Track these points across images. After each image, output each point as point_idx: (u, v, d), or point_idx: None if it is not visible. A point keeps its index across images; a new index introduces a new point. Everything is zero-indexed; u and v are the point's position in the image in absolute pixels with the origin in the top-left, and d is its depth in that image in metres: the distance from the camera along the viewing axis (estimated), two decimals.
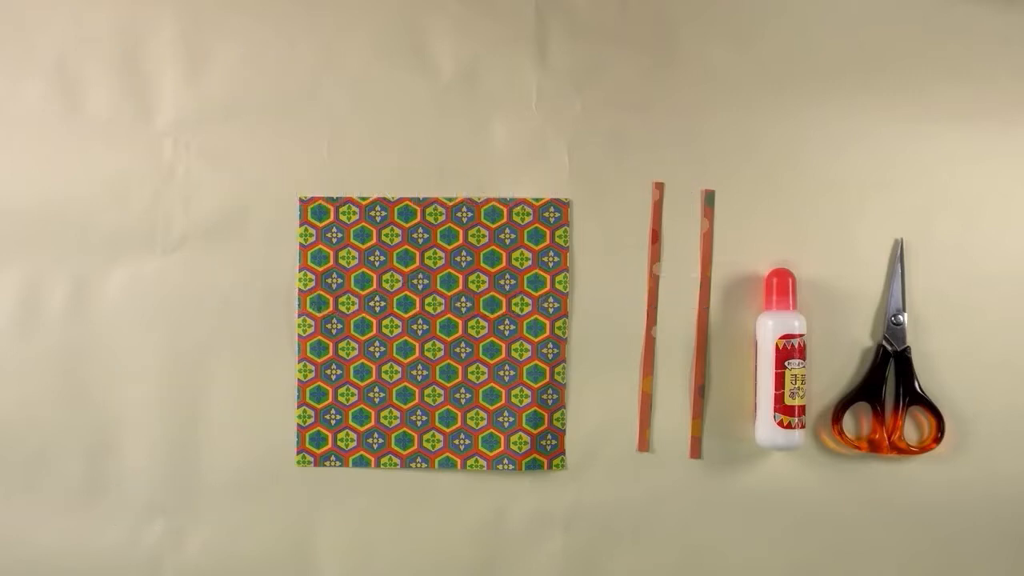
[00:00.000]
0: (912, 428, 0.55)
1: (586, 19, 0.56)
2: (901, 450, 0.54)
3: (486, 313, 0.52)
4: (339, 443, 0.54)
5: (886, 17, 0.56)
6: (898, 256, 0.55)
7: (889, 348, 0.54)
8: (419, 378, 0.53)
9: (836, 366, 0.55)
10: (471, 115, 0.55)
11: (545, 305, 0.52)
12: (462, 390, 0.52)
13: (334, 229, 0.53)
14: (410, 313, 0.53)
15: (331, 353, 0.53)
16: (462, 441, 0.52)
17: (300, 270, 0.53)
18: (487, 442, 0.52)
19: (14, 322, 0.55)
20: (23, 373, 0.54)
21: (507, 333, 0.52)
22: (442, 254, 0.52)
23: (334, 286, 0.53)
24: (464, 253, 0.52)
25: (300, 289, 0.54)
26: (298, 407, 0.54)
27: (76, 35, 0.55)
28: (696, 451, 0.54)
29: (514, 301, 0.52)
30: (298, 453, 0.54)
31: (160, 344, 0.55)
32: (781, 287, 0.53)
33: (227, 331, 0.54)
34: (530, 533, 0.54)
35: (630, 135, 0.55)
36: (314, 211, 0.54)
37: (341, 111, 0.55)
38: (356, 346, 0.53)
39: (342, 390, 0.54)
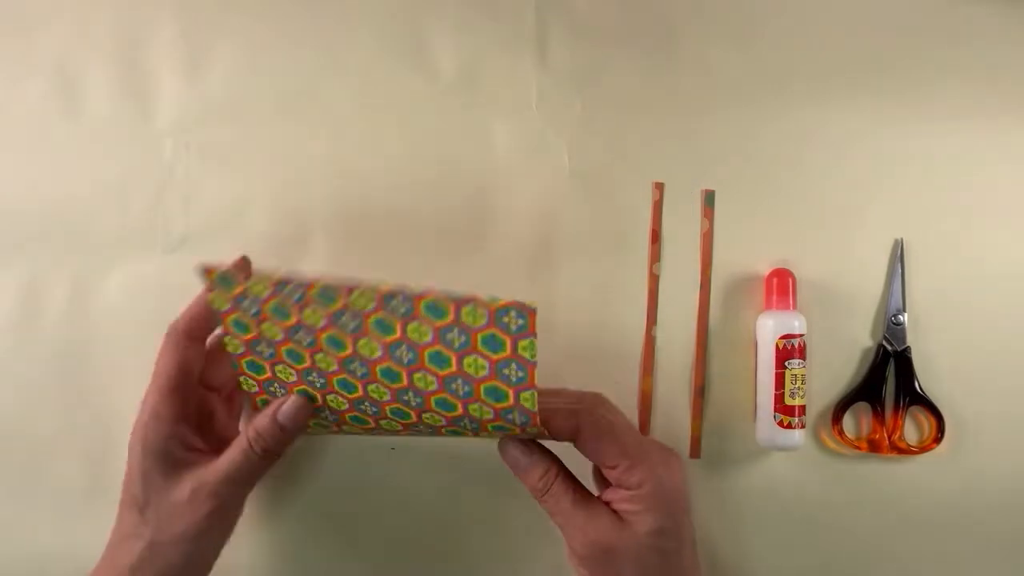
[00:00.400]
0: (912, 428, 0.55)
1: (586, 19, 0.56)
2: (901, 450, 0.54)
3: (440, 411, 0.43)
4: None
5: (886, 17, 0.56)
6: (898, 256, 0.55)
7: (889, 348, 0.54)
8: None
9: (836, 366, 0.55)
10: (471, 115, 0.55)
11: (511, 416, 0.42)
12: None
13: (247, 301, 0.42)
14: (354, 396, 0.44)
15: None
16: None
17: (225, 335, 0.44)
18: None
19: (14, 322, 0.54)
20: (23, 373, 0.54)
21: (470, 429, 0.45)
22: (378, 346, 0.42)
23: (267, 354, 0.44)
24: (405, 348, 0.42)
25: (231, 353, 0.45)
26: None
27: (76, 35, 0.55)
28: (696, 451, 0.54)
29: (472, 407, 0.43)
30: None
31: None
32: (781, 287, 0.53)
33: None
34: (528, 535, 0.54)
35: (630, 135, 0.55)
36: (220, 279, 0.42)
37: (341, 111, 0.55)
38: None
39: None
